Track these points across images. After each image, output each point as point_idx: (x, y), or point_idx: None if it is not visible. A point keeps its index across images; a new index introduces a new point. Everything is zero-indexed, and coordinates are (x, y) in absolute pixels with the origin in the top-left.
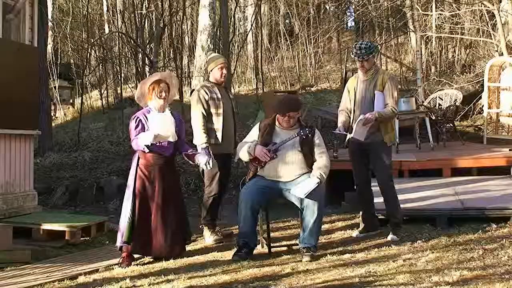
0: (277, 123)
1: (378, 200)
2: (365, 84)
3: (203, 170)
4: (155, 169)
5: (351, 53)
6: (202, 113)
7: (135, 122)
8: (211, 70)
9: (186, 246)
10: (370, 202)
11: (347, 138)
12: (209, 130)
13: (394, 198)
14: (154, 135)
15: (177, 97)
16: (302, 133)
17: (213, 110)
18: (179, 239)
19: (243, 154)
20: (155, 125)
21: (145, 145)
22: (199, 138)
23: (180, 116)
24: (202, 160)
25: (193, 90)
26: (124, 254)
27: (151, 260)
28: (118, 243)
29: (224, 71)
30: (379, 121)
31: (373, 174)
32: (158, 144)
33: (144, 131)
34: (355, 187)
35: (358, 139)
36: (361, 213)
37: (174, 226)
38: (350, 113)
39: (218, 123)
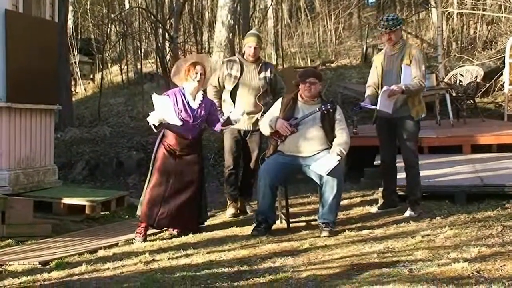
0: (299, 97)
1: (399, 176)
2: (392, 58)
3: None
4: (177, 150)
5: (378, 26)
6: (215, 84)
7: None
8: (244, 46)
9: (199, 228)
10: (393, 178)
11: (375, 113)
12: (222, 102)
13: (416, 175)
14: (156, 117)
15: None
16: (323, 108)
17: (227, 86)
18: (191, 217)
19: (265, 127)
20: (158, 108)
21: (152, 124)
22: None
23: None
24: (237, 113)
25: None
26: (143, 225)
27: (170, 235)
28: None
29: (251, 51)
30: (407, 95)
31: (399, 150)
32: (179, 126)
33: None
34: (374, 163)
35: (385, 111)
36: (381, 189)
37: (188, 204)
38: (378, 88)
39: (230, 98)
